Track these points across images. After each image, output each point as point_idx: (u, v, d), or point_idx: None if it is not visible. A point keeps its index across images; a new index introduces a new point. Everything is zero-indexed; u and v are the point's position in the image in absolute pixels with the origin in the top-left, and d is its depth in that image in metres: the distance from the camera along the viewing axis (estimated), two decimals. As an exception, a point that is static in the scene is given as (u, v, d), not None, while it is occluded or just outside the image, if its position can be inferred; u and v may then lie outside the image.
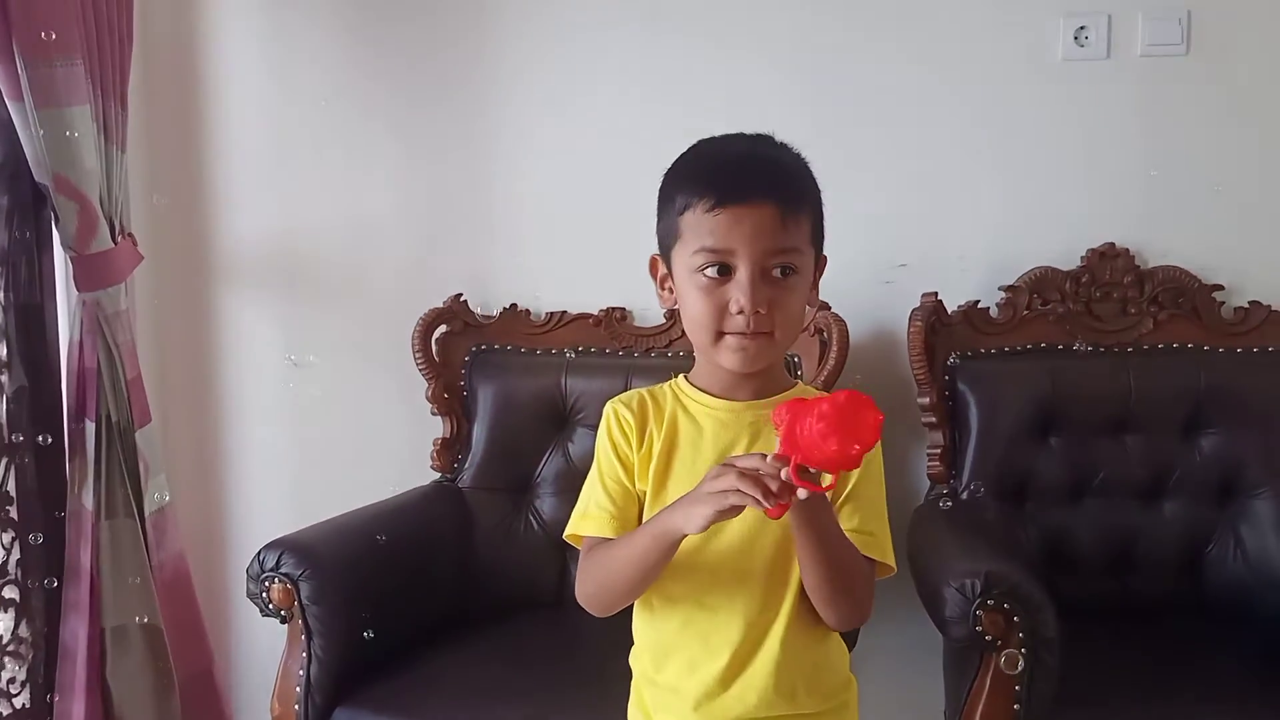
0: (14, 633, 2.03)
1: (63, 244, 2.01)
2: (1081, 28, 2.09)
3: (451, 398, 2.19)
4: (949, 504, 1.97)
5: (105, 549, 2.02)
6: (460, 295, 2.23)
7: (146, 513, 2.09)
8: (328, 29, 2.32)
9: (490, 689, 1.71)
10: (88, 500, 2.01)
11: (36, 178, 1.93)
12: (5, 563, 2.01)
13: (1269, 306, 2.02)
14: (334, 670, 1.73)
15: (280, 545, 1.73)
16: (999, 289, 2.09)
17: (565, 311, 2.23)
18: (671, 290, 1.17)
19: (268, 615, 1.74)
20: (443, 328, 2.20)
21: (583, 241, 2.24)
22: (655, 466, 1.16)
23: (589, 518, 1.17)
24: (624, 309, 2.22)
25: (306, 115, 2.33)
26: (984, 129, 2.14)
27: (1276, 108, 2.07)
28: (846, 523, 1.11)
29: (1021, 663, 1.50)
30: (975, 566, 1.54)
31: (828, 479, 0.96)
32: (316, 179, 2.33)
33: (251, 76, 2.35)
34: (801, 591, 1.12)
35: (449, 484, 2.16)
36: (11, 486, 2.02)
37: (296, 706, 1.71)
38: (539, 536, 2.10)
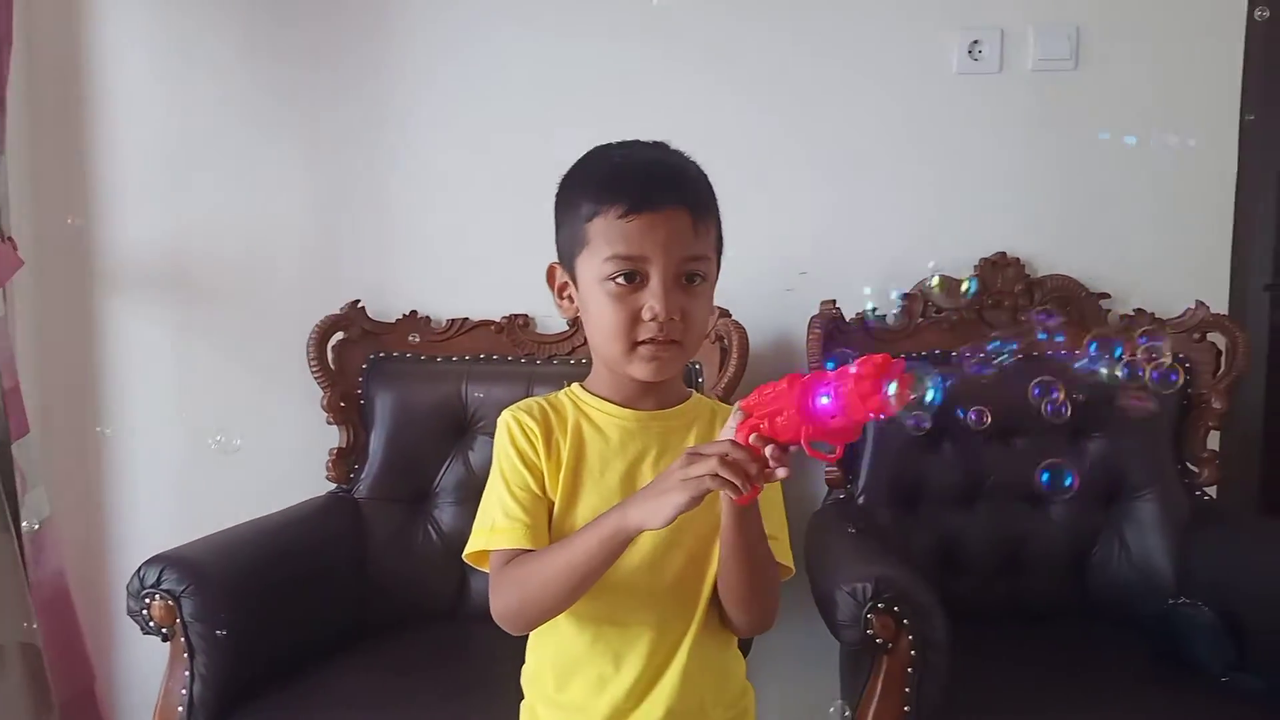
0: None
1: (-66, 247, 1.92)
2: (975, 42, 2.15)
3: (348, 406, 2.15)
4: (844, 509, 1.99)
5: (-22, 566, 1.94)
6: (358, 301, 2.19)
7: (24, 528, 2.01)
8: (221, 31, 2.25)
9: (378, 699, 1.68)
10: (-41, 515, 1.92)
11: (-94, 178, 1.84)
12: None
13: (1152, 314, 2.09)
14: (218, 687, 1.67)
15: (162, 560, 1.66)
16: (895, 296, 2.13)
17: (466, 318, 2.21)
18: (573, 299, 1.15)
19: (149, 633, 1.67)
20: (339, 335, 2.16)
21: (484, 248, 2.22)
22: (564, 475, 1.13)
23: (500, 531, 1.11)
24: (526, 315, 2.21)
25: (199, 118, 2.26)
26: (882, 140, 2.18)
27: (1161, 121, 2.15)
28: None
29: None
30: (867, 571, 1.56)
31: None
32: (209, 183, 2.27)
33: (141, 78, 2.26)
34: (710, 604, 1.12)
35: (345, 495, 2.11)
36: (-122, 501, 1.92)
37: (180, 725, 1.65)
38: (437, 547, 2.07)
